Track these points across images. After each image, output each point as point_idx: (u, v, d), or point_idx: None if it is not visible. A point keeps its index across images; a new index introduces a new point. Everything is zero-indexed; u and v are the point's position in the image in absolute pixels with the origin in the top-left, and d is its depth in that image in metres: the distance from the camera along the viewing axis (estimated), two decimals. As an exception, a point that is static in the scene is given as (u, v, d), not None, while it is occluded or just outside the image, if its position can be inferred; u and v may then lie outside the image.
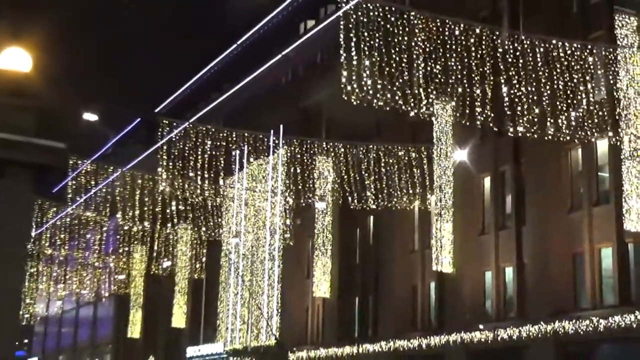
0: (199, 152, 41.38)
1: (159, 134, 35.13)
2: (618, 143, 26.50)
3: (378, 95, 23.75)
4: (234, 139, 41.57)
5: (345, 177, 39.93)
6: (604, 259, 29.87)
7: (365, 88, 23.18)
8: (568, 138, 27.46)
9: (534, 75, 25.61)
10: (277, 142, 46.10)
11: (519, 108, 26.36)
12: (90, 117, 26.85)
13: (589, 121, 26.32)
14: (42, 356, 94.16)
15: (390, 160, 37.90)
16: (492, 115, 27.48)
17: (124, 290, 66.44)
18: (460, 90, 26.37)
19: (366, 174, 38.86)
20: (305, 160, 42.34)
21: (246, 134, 42.70)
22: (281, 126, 46.61)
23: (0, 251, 10.51)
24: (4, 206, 10.69)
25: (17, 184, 10.83)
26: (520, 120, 26.49)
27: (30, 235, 11.73)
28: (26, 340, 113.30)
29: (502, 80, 26.12)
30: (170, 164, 42.04)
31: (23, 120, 10.98)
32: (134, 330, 66.93)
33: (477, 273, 34.87)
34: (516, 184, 33.96)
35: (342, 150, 39.94)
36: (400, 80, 24.14)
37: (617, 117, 26.07)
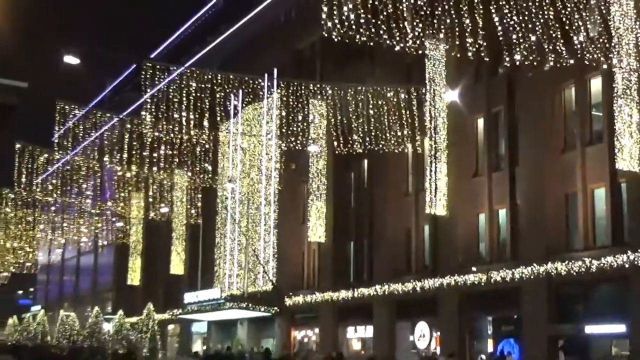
0: (193, 97, 40.98)
1: (144, 78, 34.55)
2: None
3: (361, 30, 23.12)
4: (229, 83, 41.15)
5: (339, 120, 39.52)
6: (597, 199, 29.56)
7: (346, 23, 22.55)
8: (563, 74, 26.95)
9: (526, 10, 25.10)
10: (271, 86, 45.67)
11: (513, 40, 25.80)
12: (71, 60, 26.28)
13: (583, 56, 25.75)
14: (45, 304, 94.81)
15: (384, 102, 37.44)
16: (485, 48, 26.91)
17: (122, 238, 66.57)
18: (449, 22, 25.80)
19: (360, 117, 38.44)
20: (299, 104, 41.88)
21: (240, 78, 42.29)
22: (275, 70, 46.18)
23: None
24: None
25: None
26: (514, 54, 25.98)
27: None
28: (31, 289, 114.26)
29: (494, 12, 25.52)
30: (163, 109, 41.73)
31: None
32: (134, 277, 67.29)
33: (471, 215, 34.60)
34: (509, 125, 33.47)
35: (336, 93, 39.49)
36: (385, 14, 23.49)
37: (609, 54, 25.47)
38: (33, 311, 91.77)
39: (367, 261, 41.49)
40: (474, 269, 33.04)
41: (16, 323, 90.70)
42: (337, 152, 40.12)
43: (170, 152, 47.71)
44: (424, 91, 34.75)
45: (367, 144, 37.79)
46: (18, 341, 75.51)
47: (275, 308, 45.83)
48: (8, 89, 10.75)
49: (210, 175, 50.93)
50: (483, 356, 33.29)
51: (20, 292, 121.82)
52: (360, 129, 38.21)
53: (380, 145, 37.11)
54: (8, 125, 11.93)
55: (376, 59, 40.37)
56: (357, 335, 41.90)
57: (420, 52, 32.72)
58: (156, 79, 38.05)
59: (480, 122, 35.20)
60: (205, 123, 43.53)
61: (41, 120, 53.06)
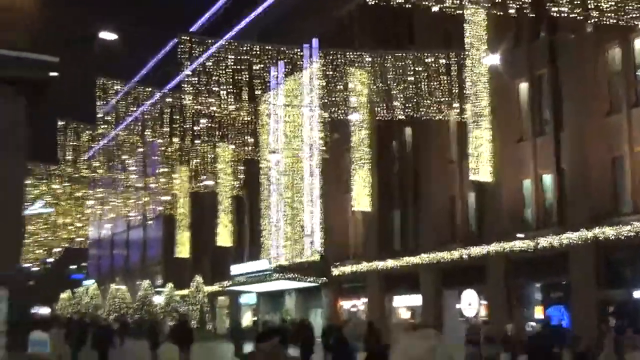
0: (234, 70, 41.00)
1: (183, 52, 34.56)
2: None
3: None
4: (269, 54, 41.09)
5: (380, 88, 39.24)
6: (645, 162, 29.00)
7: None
8: (606, 35, 26.32)
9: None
10: (311, 55, 45.42)
11: None
12: (108, 36, 26.33)
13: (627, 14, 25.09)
14: (97, 278, 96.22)
15: (425, 69, 37.08)
16: (527, 7, 26.34)
17: (169, 210, 67.14)
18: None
19: (401, 84, 38.12)
20: (340, 73, 41.63)
21: (280, 49, 42.15)
22: (315, 39, 45.84)
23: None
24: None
25: (9, 99, 10.52)
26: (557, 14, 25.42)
27: (24, 148, 11.54)
28: (84, 264, 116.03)
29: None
30: (204, 82, 41.77)
31: (13, 36, 10.61)
32: (182, 250, 67.84)
33: (516, 181, 34.18)
34: (553, 89, 32.88)
35: (376, 60, 39.17)
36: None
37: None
38: (85, 285, 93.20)
39: (412, 229, 41.30)
40: (520, 235, 32.66)
41: (70, 297, 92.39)
42: (378, 119, 39.93)
43: (214, 125, 47.91)
44: (462, 56, 34.29)
45: (408, 111, 37.51)
46: (71, 315, 76.90)
47: (322, 278, 45.90)
48: (40, 65, 10.72)
49: (253, 147, 51.07)
50: (532, 323, 32.92)
51: (73, 267, 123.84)
52: (401, 97, 37.93)
53: (422, 113, 36.79)
54: (42, 101, 11.92)
55: (415, 25, 39.92)
56: (405, 304, 41.78)
57: (459, 17, 32.34)
58: (195, 53, 38.17)
59: (523, 87, 34.63)
60: (247, 95, 43.53)
61: (82, 98, 53.49)
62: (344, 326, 36.36)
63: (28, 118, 11.22)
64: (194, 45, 36.79)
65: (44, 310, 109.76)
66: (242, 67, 40.81)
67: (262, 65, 41.64)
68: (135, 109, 47.41)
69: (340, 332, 21.64)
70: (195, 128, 49.11)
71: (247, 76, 41.34)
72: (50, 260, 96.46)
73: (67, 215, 73.16)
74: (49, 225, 77.40)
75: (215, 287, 58.83)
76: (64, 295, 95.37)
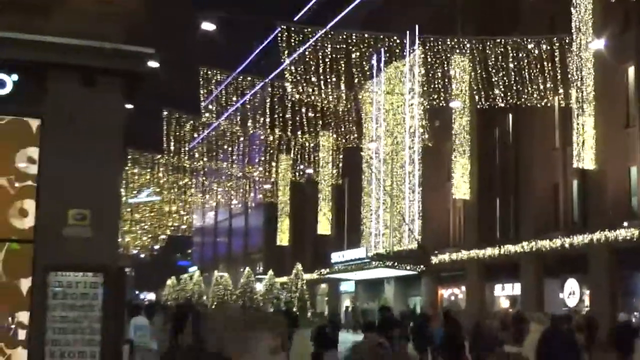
0: (335, 59, 41.22)
1: (282, 41, 34.81)
2: None
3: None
4: (370, 42, 41.11)
5: (483, 74, 38.74)
6: None
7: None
8: None
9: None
10: (412, 43, 45.11)
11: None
12: (208, 26, 26.76)
13: None
14: (200, 265, 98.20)
15: (527, 55, 36.41)
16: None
17: (270, 199, 67.90)
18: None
19: (503, 70, 37.55)
20: (441, 60, 41.29)
21: (380, 37, 42.06)
22: (416, 26, 45.43)
23: (94, 161, 10.56)
24: (97, 114, 10.70)
25: (108, 92, 10.80)
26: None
27: (122, 142, 11.82)
28: (189, 251, 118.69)
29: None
30: (306, 71, 42.07)
31: (111, 28, 10.88)
32: (283, 238, 68.58)
33: (622, 169, 33.18)
34: (662, 72, 31.77)
35: (478, 47, 38.68)
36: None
37: None
38: (190, 272, 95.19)
39: (513, 217, 40.63)
40: (625, 224, 31.69)
41: (175, 283, 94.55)
42: (479, 107, 39.46)
43: (315, 114, 48.23)
44: (567, 41, 33.47)
45: (510, 98, 36.94)
46: (177, 300, 78.72)
47: (421, 266, 45.68)
48: (138, 56, 10.95)
49: (355, 136, 51.18)
50: (637, 313, 32.00)
51: (179, 254, 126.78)
52: (503, 83, 37.37)
53: (525, 99, 36.13)
54: (141, 93, 12.19)
55: (519, 12, 39.19)
56: (505, 292, 41.19)
57: (566, 1, 31.64)
58: (296, 42, 38.45)
59: (631, 71, 33.55)
60: (348, 84, 43.60)
61: (186, 88, 54.56)
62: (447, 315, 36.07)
63: (126, 109, 11.47)
64: (295, 35, 37.05)
65: (150, 296, 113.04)
66: (344, 55, 40.94)
67: (363, 54, 41.70)
68: (237, 98, 48.12)
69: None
70: (296, 117, 49.53)
71: (349, 65, 41.44)
72: (157, 247, 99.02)
73: (172, 204, 74.88)
74: (154, 213, 79.44)
75: (314, 275, 59.27)
76: (169, 281, 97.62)
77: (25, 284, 10.32)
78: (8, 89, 10.45)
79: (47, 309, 10.15)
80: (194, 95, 44.51)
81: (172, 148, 50.75)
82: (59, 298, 10.22)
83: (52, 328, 10.12)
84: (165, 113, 49.10)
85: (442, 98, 41.97)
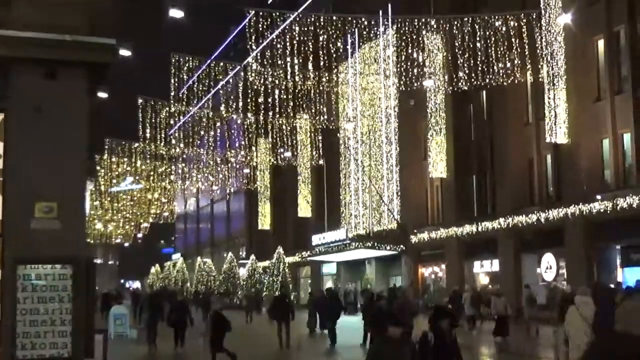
0: (309, 40, 41.24)
1: (247, 24, 34.77)
2: None
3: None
4: (344, 23, 41.15)
5: (455, 52, 38.89)
6: None
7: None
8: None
9: None
10: (386, 22, 45.16)
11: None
12: (175, 13, 26.73)
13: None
14: (184, 251, 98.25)
15: (499, 31, 36.58)
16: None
17: (251, 184, 67.99)
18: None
19: (475, 48, 37.72)
20: (415, 39, 41.39)
21: (355, 18, 42.09)
22: (389, 5, 45.44)
23: (60, 154, 10.62)
24: (59, 107, 10.75)
25: (70, 84, 10.84)
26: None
27: (87, 133, 11.77)
28: (173, 238, 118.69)
29: None
30: (278, 55, 42.07)
31: (73, 19, 10.92)
32: (264, 222, 68.77)
33: (594, 142, 33.43)
34: (632, 45, 31.97)
35: (450, 24, 38.80)
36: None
37: None
38: (174, 259, 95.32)
39: (490, 194, 40.94)
40: (599, 197, 32.02)
41: (158, 271, 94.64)
42: (454, 86, 39.62)
43: (291, 97, 48.25)
44: (536, 16, 33.68)
45: (483, 75, 37.13)
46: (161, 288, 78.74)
47: (401, 246, 45.96)
48: (102, 47, 11.01)
49: (331, 117, 51.26)
50: (612, 285, 32.36)
51: (162, 242, 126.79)
52: (475, 61, 37.55)
53: (497, 76, 36.34)
54: (106, 82, 12.25)
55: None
56: (484, 269, 41.58)
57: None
58: (266, 26, 38.38)
59: (601, 44, 33.77)
60: (323, 65, 43.63)
61: (159, 76, 54.46)
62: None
63: (91, 99, 11.52)
64: (267, 18, 36.98)
65: (136, 285, 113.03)
66: (318, 37, 40.97)
67: (337, 34, 41.73)
68: (211, 84, 48.03)
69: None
70: (273, 100, 49.54)
71: (323, 46, 41.47)
72: (140, 235, 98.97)
73: (153, 192, 74.84)
74: (135, 201, 79.36)
75: (296, 258, 59.50)
76: (153, 269, 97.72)
77: (-6, 277, 10.39)
78: (-30, 84, 10.49)
79: (17, 302, 10.23)
80: (168, 82, 44.47)
81: (148, 136, 50.66)
82: (28, 290, 10.29)
83: (22, 320, 10.20)
84: (140, 101, 48.97)
85: (416, 77, 42.09)
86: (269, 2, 65.09)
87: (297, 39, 41.25)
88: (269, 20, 39.61)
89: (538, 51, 34.80)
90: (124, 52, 34.95)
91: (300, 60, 42.42)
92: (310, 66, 44.44)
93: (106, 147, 59.72)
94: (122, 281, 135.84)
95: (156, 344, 24.78)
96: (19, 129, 10.55)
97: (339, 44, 42.93)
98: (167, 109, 49.66)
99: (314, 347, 27.32)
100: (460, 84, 38.59)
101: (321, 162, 56.63)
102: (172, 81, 42.01)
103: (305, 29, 41.22)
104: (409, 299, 25.72)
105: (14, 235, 10.35)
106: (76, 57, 10.68)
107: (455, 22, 38.33)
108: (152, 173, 66.31)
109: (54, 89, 10.65)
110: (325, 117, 51.28)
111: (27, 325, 10.20)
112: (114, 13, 12.01)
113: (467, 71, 38.09)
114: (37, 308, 10.25)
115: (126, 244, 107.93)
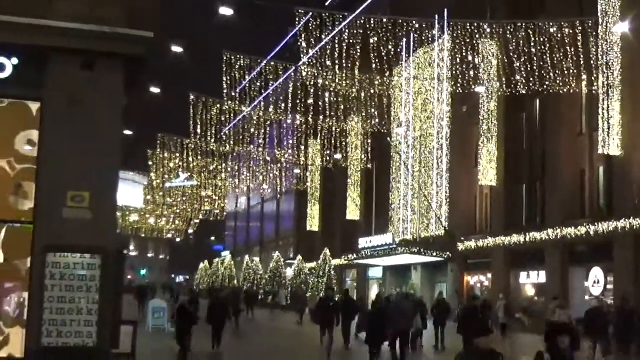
0: (364, 44, 41.15)
1: (298, 25, 34.69)
2: None
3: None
4: (399, 27, 40.95)
5: (511, 59, 38.37)
6: None
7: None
8: None
9: None
10: (441, 27, 44.75)
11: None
12: (226, 11, 26.80)
13: None
14: (233, 249, 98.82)
15: (555, 39, 36.01)
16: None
17: (302, 185, 68.08)
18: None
19: (531, 55, 37.17)
20: (470, 45, 40.98)
21: (409, 22, 41.83)
22: (445, 10, 45.04)
23: (94, 144, 10.67)
24: (95, 98, 10.81)
25: (107, 76, 10.88)
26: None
27: (121, 127, 11.84)
28: (223, 235, 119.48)
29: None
30: (332, 57, 42.01)
31: (112, 11, 10.96)
32: (313, 223, 68.82)
33: (648, 155, 32.73)
34: (691, 56, 31.22)
35: (507, 31, 38.30)
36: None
37: None
38: (223, 256, 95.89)
39: (539, 204, 40.29)
40: (650, 211, 31.31)
41: (207, 267, 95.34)
42: (508, 92, 39.14)
43: (344, 100, 48.13)
44: (590, 24, 33.10)
45: (537, 83, 36.59)
46: (210, 285, 79.40)
47: (448, 253, 45.53)
48: (137, 40, 11.01)
49: (382, 121, 51.01)
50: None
51: (213, 238, 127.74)
52: (531, 68, 37.02)
53: (552, 84, 35.79)
54: (142, 75, 12.28)
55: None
56: (530, 280, 40.90)
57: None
58: (323, 27, 38.35)
59: (659, 55, 33.01)
60: (377, 69, 43.43)
61: (211, 74, 54.66)
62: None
63: (128, 90, 11.56)
64: (322, 20, 36.93)
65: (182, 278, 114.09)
66: (373, 40, 40.79)
67: (392, 38, 41.51)
68: (265, 84, 48.09)
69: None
70: (326, 102, 49.45)
71: (377, 49, 41.26)
72: (191, 231, 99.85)
73: (204, 189, 75.38)
74: (186, 197, 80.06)
75: (342, 260, 59.33)
76: (202, 265, 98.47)
77: (24, 264, 10.49)
78: (8, 72, 10.58)
79: (45, 289, 10.30)
80: (221, 80, 44.53)
81: (200, 132, 50.82)
82: (57, 279, 10.35)
83: (49, 308, 10.27)
84: (192, 97, 49.17)
85: (470, 83, 41.68)
86: (326, 4, 65.12)
87: (351, 41, 41.14)
88: (325, 22, 39.53)
89: (593, 60, 34.14)
90: (176, 49, 35.43)
91: (357, 64, 42.32)
92: (363, 69, 44.25)
93: (158, 142, 60.31)
94: (172, 276, 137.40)
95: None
96: (55, 119, 10.62)
97: (390, 47, 42.63)
98: (219, 106, 49.76)
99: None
100: (513, 90, 38.06)
101: (369, 165, 56.42)
102: (225, 79, 42.09)
103: (361, 31, 41.12)
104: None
105: (45, 224, 10.42)
106: (114, 49, 10.71)
107: (509, 28, 37.84)
108: (203, 170, 66.76)
109: (91, 80, 10.70)
110: (378, 120, 51.06)
111: (54, 312, 10.27)
112: (154, 7, 12.02)
113: (521, 78, 37.57)
114: (65, 296, 10.32)
115: (177, 239, 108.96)
